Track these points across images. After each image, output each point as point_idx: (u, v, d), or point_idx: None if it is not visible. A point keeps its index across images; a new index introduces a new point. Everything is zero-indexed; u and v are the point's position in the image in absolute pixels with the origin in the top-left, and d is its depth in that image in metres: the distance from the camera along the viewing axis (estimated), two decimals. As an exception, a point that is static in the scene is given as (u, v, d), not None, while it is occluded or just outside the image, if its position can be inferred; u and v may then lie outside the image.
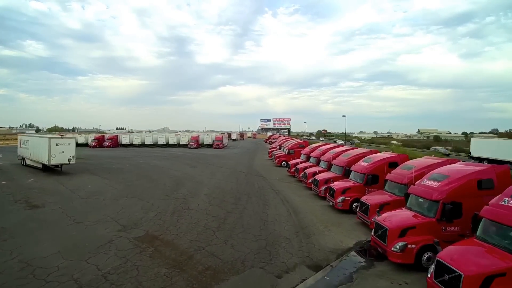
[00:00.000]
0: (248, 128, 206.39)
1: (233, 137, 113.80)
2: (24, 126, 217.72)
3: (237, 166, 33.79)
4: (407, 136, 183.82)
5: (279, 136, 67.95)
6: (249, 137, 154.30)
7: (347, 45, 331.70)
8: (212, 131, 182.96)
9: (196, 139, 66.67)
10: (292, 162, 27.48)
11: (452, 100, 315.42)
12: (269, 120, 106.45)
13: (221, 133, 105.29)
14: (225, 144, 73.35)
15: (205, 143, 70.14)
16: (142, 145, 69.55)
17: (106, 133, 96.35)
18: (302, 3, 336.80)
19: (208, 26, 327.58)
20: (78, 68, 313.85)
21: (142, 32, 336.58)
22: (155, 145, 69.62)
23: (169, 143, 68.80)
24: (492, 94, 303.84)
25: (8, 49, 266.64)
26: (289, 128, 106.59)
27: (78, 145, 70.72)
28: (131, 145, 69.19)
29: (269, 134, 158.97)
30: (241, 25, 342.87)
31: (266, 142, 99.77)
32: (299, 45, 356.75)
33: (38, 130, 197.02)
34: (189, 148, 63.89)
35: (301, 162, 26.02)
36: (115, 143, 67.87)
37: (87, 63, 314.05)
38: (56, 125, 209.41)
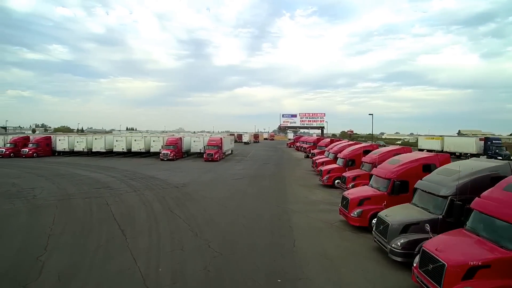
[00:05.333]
0: (264, 129, 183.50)
1: (245, 139, 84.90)
2: (34, 126, 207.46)
3: None
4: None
5: (330, 141, 38.01)
6: (265, 138, 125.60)
7: (364, 46, 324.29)
8: (227, 131, 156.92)
9: (175, 143, 38.19)
10: None
11: (472, 100, 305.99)
12: (294, 116, 77.13)
13: (230, 134, 76.72)
14: (229, 152, 44.53)
15: (193, 151, 41.64)
16: (89, 152, 41.97)
17: (92, 134, 69.89)
18: (320, 5, 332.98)
19: (226, 29, 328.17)
20: (100, 70, 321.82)
21: (162, 35, 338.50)
22: (109, 152, 41.85)
23: (133, 150, 40.69)
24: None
25: (34, 52, 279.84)
26: (323, 127, 76.76)
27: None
28: (71, 152, 41.75)
29: (290, 134, 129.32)
30: (259, 27, 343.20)
31: (290, 146, 70.44)
32: (316, 46, 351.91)
33: (34, 131, 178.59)
34: (162, 159, 35.69)
35: None
36: (44, 149, 40.50)
37: (108, 66, 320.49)
38: (64, 125, 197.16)
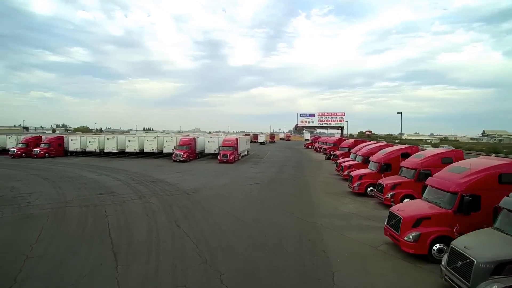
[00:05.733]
0: (279, 129, 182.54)
1: (261, 139, 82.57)
2: (55, 127, 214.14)
3: None
4: (472, 139, 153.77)
5: (354, 142, 35.15)
6: (281, 139, 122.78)
7: (382, 44, 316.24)
8: (242, 131, 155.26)
9: (188, 144, 36.40)
10: None
11: (495, 100, 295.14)
12: (312, 116, 74.13)
13: (245, 134, 74.53)
14: (245, 153, 42.40)
15: (207, 152, 39.67)
16: (102, 153, 40.90)
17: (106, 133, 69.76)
18: (336, 4, 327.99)
19: (242, 30, 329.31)
20: (119, 72, 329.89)
21: (178, 37, 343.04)
22: (121, 153, 40.62)
23: (145, 150, 39.19)
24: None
25: (56, 55, 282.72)
26: (343, 127, 73.38)
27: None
28: (83, 153, 40.76)
29: (306, 134, 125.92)
30: (274, 27, 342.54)
31: (308, 147, 67.63)
32: (332, 45, 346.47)
33: (54, 131, 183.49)
34: (175, 161, 33.98)
35: None
36: (56, 149, 39.63)
37: (127, 67, 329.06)
38: (83, 125, 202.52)
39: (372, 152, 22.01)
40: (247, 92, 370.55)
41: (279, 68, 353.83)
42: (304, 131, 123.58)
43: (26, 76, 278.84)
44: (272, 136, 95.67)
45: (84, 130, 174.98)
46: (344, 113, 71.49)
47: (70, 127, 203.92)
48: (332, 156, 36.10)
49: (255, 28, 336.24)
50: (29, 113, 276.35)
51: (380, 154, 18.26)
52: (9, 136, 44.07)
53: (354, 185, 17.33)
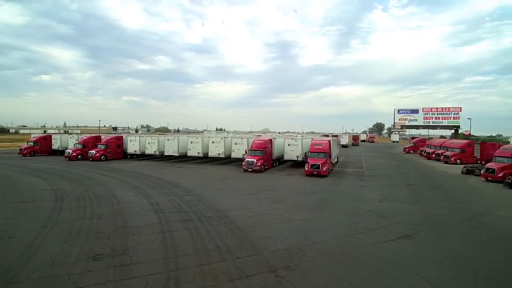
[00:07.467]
0: (352, 129, 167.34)
1: (343, 141, 69.73)
2: (139, 127, 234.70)
3: None
4: None
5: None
6: (362, 140, 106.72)
7: (473, 34, 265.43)
8: (312, 132, 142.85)
9: (263, 147, 27.14)
10: None
11: None
12: (415, 112, 58.56)
13: (324, 135, 63.23)
14: (335, 159, 31.49)
15: (286, 158, 29.91)
16: (162, 156, 34.63)
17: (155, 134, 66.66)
18: None
19: (313, 29, 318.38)
20: (195, 76, 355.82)
21: (250, 40, 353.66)
22: (183, 157, 33.72)
23: (210, 155, 31.33)
24: None
25: (143, 63, 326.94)
26: (458, 126, 56.16)
27: (56, 152, 37.72)
28: (142, 155, 35.07)
29: (394, 136, 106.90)
30: (347, 24, 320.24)
31: (408, 151, 52.91)
32: (412, 39, 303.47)
33: (137, 131, 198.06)
34: (246, 170, 25.24)
35: None
36: (115, 150, 34.67)
37: (203, 72, 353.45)
38: (163, 126, 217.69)
39: None
40: (317, 91, 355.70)
41: (352, 66, 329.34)
42: (393, 132, 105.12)
43: (120, 83, 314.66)
44: (355, 138, 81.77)
45: (163, 130, 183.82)
46: (461, 108, 54.25)
47: (152, 128, 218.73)
48: (484, 171, 22.82)
49: (326, 26, 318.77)
50: (121, 115, 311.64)
51: None
52: (71, 136, 41.10)
53: None
